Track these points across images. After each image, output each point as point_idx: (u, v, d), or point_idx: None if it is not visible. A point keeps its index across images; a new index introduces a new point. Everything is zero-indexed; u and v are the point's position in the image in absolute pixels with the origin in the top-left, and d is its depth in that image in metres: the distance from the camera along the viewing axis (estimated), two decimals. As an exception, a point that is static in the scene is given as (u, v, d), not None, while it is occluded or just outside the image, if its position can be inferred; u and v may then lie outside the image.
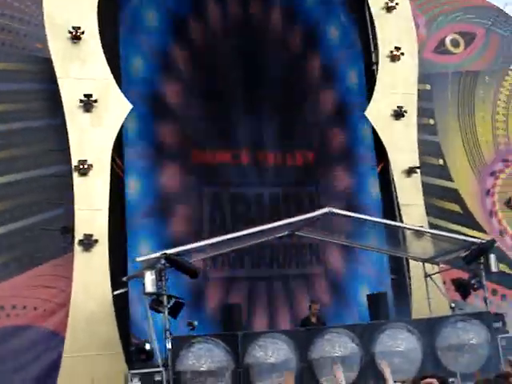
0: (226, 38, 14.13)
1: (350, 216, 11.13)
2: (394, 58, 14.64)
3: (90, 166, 11.96)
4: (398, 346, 10.75)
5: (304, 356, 10.36)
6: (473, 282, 11.44)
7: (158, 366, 9.63)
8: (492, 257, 11.35)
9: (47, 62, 12.36)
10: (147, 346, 9.81)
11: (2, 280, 11.54)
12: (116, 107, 12.45)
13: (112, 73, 12.57)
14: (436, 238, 12.12)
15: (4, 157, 12.20)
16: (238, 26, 14.34)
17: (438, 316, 11.75)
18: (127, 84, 12.96)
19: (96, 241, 11.69)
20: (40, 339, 11.67)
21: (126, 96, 12.58)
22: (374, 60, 15.11)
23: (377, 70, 14.78)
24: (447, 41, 16.99)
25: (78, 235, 11.67)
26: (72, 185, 11.90)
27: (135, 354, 10.17)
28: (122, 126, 12.55)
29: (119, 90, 12.57)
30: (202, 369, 9.57)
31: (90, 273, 11.56)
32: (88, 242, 11.63)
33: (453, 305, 12.11)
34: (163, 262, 9.63)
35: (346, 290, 13.74)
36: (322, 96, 14.69)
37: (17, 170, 12.18)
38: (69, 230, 11.86)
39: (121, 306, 11.77)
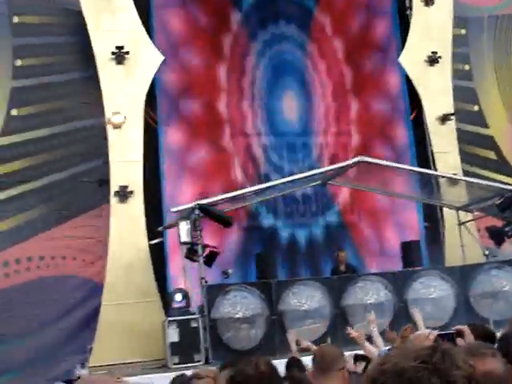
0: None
1: (381, 164, 11.08)
2: (428, 2, 14.28)
3: (124, 118, 12.02)
4: (431, 293, 10.85)
5: (337, 303, 10.53)
6: (507, 229, 11.39)
7: (195, 314, 9.87)
8: (525, 204, 11.24)
9: (79, 15, 12.36)
10: (179, 296, 10.01)
11: (40, 231, 11.82)
12: (148, 58, 12.44)
13: (143, 24, 12.53)
14: (470, 186, 12.05)
15: (39, 110, 12.35)
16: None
17: (471, 263, 11.76)
18: (159, 35, 12.92)
19: (131, 192, 11.85)
20: (80, 288, 12.00)
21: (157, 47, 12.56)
22: (407, 4, 14.76)
23: (411, 14, 14.46)
24: (483, -17, 16.47)
25: (114, 187, 11.83)
26: (106, 137, 12.03)
27: (172, 302, 10.42)
28: (155, 77, 12.56)
29: (150, 41, 12.54)
30: (237, 316, 9.80)
31: (126, 223, 11.76)
32: (123, 194, 11.79)
33: (487, 252, 12.08)
34: (197, 212, 9.76)
35: (379, 237, 13.77)
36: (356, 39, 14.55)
37: (53, 124, 12.34)
38: (105, 181, 12.03)
39: (157, 255, 12.01)
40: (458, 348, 2.77)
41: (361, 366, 5.46)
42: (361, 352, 6.27)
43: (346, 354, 6.16)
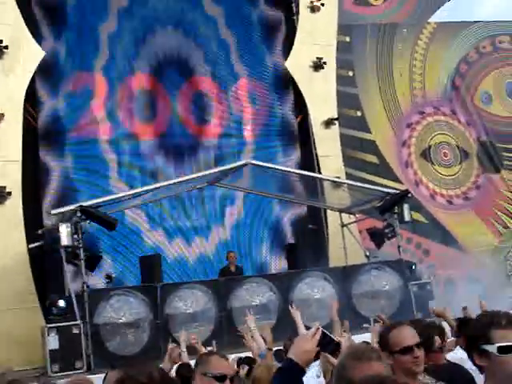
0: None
1: (268, 167, 11.17)
2: (313, 9, 14.57)
3: (2, 115, 11.49)
4: (315, 293, 11.04)
5: (223, 305, 10.50)
6: (386, 231, 11.77)
7: (76, 320, 9.54)
8: (405, 207, 11.68)
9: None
10: (61, 302, 9.65)
11: None
12: (28, 54, 11.94)
13: (24, 18, 12.01)
14: (352, 189, 12.37)
15: None
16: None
17: (353, 264, 12.08)
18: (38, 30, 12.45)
19: (9, 193, 11.33)
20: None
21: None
22: (294, 10, 14.99)
23: (297, 20, 14.69)
24: (367, -8, 17.01)
25: (-10, 187, 11.29)
26: (-17, 135, 11.45)
27: (52, 308, 10.02)
28: (35, 74, 12.07)
29: (31, 36, 12.04)
30: (120, 321, 9.57)
31: (4, 226, 11.24)
32: (1, 194, 11.26)
33: (367, 253, 12.46)
34: (79, 214, 9.45)
35: (266, 240, 13.89)
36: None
37: None
38: (-20, 181, 11.44)
39: (37, 259, 11.53)
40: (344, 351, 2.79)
41: (244, 370, 5.43)
42: (244, 355, 6.27)
43: (231, 356, 6.19)
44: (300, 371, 2.61)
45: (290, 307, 6.14)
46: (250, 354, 5.84)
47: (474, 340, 2.63)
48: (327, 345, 2.81)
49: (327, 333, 2.83)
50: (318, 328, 2.77)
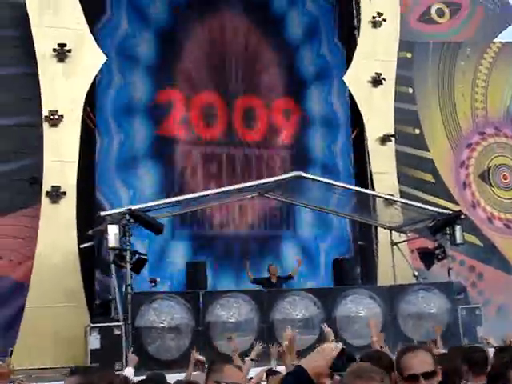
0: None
1: (318, 180, 11.10)
2: (375, 24, 14.47)
3: (61, 116, 11.78)
4: (360, 311, 10.88)
5: (266, 317, 10.46)
6: (437, 252, 11.53)
7: (119, 321, 9.66)
8: (458, 228, 11.42)
9: (22, 9, 12.08)
10: (109, 301, 9.82)
11: (-32, 228, 11.46)
12: (90, 58, 12.23)
13: (87, 23, 12.31)
14: (404, 207, 12.16)
15: (-26, 103, 12.01)
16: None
17: (400, 284, 11.86)
18: (103, 35, 12.74)
19: (64, 193, 11.58)
20: (6, 289, 11.65)
21: (100, 47, 12.36)
22: (355, 25, 14.91)
23: (358, 34, 14.60)
24: (432, 10, 16.82)
25: (46, 186, 11.55)
26: (42, 135, 11.74)
27: (97, 308, 10.20)
28: (96, 77, 12.35)
29: (94, 41, 12.33)
30: (161, 325, 9.63)
31: (57, 225, 11.48)
32: (56, 194, 11.52)
33: (416, 273, 12.22)
34: (128, 217, 9.58)
35: (313, 253, 13.79)
36: (303, 55, 14.60)
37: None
38: (37, 180, 11.73)
39: (87, 259, 11.75)
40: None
41: (273, 382, 5.37)
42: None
43: (259, 369, 6.14)
44: (307, 380, 2.55)
45: (322, 326, 6.05)
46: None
47: (494, 379, 2.47)
48: (341, 366, 2.73)
49: (345, 354, 2.76)
50: (338, 346, 2.70)
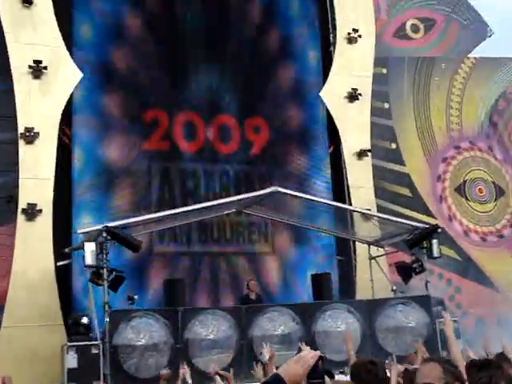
0: (183, 6, 13.89)
1: (295, 196, 11.12)
2: (351, 40, 14.61)
3: (37, 133, 11.72)
4: (338, 326, 10.88)
5: (245, 333, 10.41)
6: (414, 265, 11.58)
7: (96, 339, 9.56)
8: (435, 242, 11.48)
9: (-3, 26, 12.03)
10: (85, 319, 9.71)
11: None
12: (66, 75, 12.21)
13: (63, 39, 12.28)
14: (382, 222, 12.22)
15: None
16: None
17: (378, 298, 11.90)
18: (78, 52, 12.70)
19: (40, 210, 11.50)
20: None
21: (76, 64, 12.32)
22: (331, 41, 15.04)
23: (334, 50, 14.73)
24: (407, 26, 17.00)
25: (22, 204, 11.47)
26: (18, 152, 11.65)
27: (74, 327, 10.08)
28: (71, 95, 12.30)
29: (70, 58, 12.31)
30: (139, 343, 9.54)
31: (33, 243, 11.39)
32: (32, 212, 11.44)
33: (394, 287, 12.25)
34: (105, 234, 9.51)
35: (292, 269, 13.78)
36: (279, 72, 14.67)
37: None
38: (13, 198, 11.62)
39: (64, 277, 11.64)
40: None
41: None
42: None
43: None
44: None
45: (299, 344, 6.03)
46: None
47: None
48: (316, 375, 2.73)
49: (323, 362, 2.76)
50: (318, 355, 2.70)
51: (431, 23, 17.19)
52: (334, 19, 14.93)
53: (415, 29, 17.05)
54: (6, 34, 11.90)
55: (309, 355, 2.64)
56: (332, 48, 14.84)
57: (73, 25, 12.91)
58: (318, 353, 2.70)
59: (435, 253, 11.50)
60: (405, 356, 10.61)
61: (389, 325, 11.08)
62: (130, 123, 13.11)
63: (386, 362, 8.56)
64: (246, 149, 14.09)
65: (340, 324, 10.89)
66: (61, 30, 12.30)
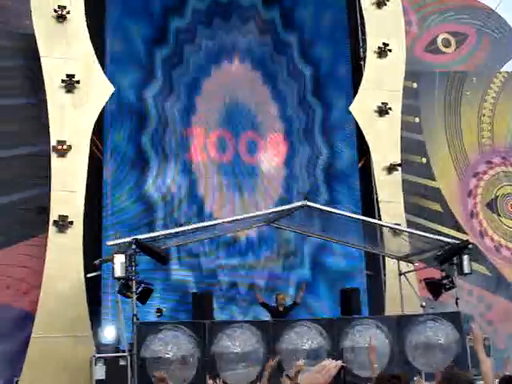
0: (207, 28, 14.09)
1: (324, 210, 11.09)
2: (381, 54, 14.57)
3: (69, 146, 11.88)
4: (367, 342, 10.77)
5: (272, 347, 10.36)
6: (445, 281, 11.44)
7: (124, 352, 9.62)
8: (465, 258, 11.31)
9: (31, 40, 12.25)
10: (114, 331, 9.78)
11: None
12: (98, 89, 12.38)
13: (96, 54, 12.47)
14: (411, 237, 12.10)
15: (-18, 133, 12.12)
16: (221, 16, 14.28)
17: (408, 314, 11.77)
18: (111, 66, 12.88)
19: (71, 222, 11.63)
20: (12, 318, 11.64)
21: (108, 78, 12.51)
22: (361, 55, 15.03)
23: (364, 65, 14.70)
24: (439, 40, 16.94)
25: (53, 216, 11.62)
26: (50, 165, 11.83)
27: (103, 338, 10.17)
28: (104, 108, 12.46)
29: (102, 72, 12.49)
30: (167, 356, 9.54)
31: (64, 254, 11.52)
32: (63, 223, 11.58)
33: (424, 304, 12.11)
34: (134, 246, 9.58)
35: (320, 283, 13.74)
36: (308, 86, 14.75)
37: (-5, 147, 12.11)
38: (44, 210, 11.79)
39: (93, 288, 11.75)
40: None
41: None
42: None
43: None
44: None
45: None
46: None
47: None
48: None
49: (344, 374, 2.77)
50: (340, 365, 2.70)
51: (463, 37, 17.10)
52: (364, 33, 14.91)
53: (446, 43, 16.97)
54: (39, 49, 12.12)
55: (331, 365, 2.65)
56: (362, 62, 14.81)
57: (105, 39, 13.08)
58: (339, 363, 2.70)
59: (466, 269, 11.33)
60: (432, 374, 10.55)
61: (418, 341, 10.93)
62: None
63: (415, 378, 8.52)
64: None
65: (368, 340, 10.77)
66: (93, 45, 12.48)
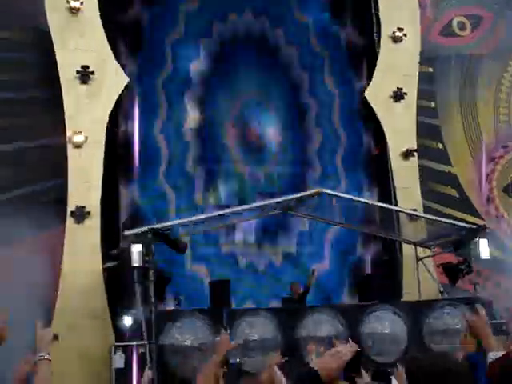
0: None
1: (340, 196, 11.08)
2: (395, 39, 14.45)
3: (85, 137, 11.92)
4: (384, 328, 10.79)
5: (290, 334, 10.41)
6: (462, 267, 11.40)
7: (143, 340, 9.69)
8: (482, 243, 11.28)
9: (45, 33, 12.28)
10: (132, 320, 9.86)
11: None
12: (113, 79, 12.40)
13: (110, 45, 12.49)
14: (428, 222, 12.07)
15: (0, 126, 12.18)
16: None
17: (425, 299, 11.76)
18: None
19: (88, 213, 11.70)
20: (31, 309, 11.73)
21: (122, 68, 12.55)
22: (375, 40, 14.91)
23: (378, 50, 14.59)
24: (454, 23, 16.74)
25: (71, 207, 11.69)
26: (66, 156, 11.89)
27: (122, 327, 10.25)
28: (119, 98, 12.50)
29: (116, 63, 12.51)
30: (185, 344, 9.63)
31: (82, 244, 11.58)
32: (80, 214, 11.64)
33: (441, 289, 12.10)
34: (150, 235, 9.64)
35: (335, 269, 13.75)
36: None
37: (11, 140, 12.15)
38: (62, 201, 11.86)
39: (111, 278, 11.82)
40: None
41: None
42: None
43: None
44: (317, 382, 2.54)
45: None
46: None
47: None
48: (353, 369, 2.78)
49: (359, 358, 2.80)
50: (355, 349, 2.72)
51: (478, 20, 16.88)
52: (378, 18, 14.78)
53: (462, 26, 16.77)
54: (54, 41, 12.15)
55: (345, 349, 2.66)
56: (376, 47, 14.70)
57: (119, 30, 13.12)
58: (355, 347, 2.72)
59: (483, 254, 11.30)
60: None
61: (436, 327, 10.94)
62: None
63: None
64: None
65: (386, 326, 10.80)
66: (107, 36, 12.50)
